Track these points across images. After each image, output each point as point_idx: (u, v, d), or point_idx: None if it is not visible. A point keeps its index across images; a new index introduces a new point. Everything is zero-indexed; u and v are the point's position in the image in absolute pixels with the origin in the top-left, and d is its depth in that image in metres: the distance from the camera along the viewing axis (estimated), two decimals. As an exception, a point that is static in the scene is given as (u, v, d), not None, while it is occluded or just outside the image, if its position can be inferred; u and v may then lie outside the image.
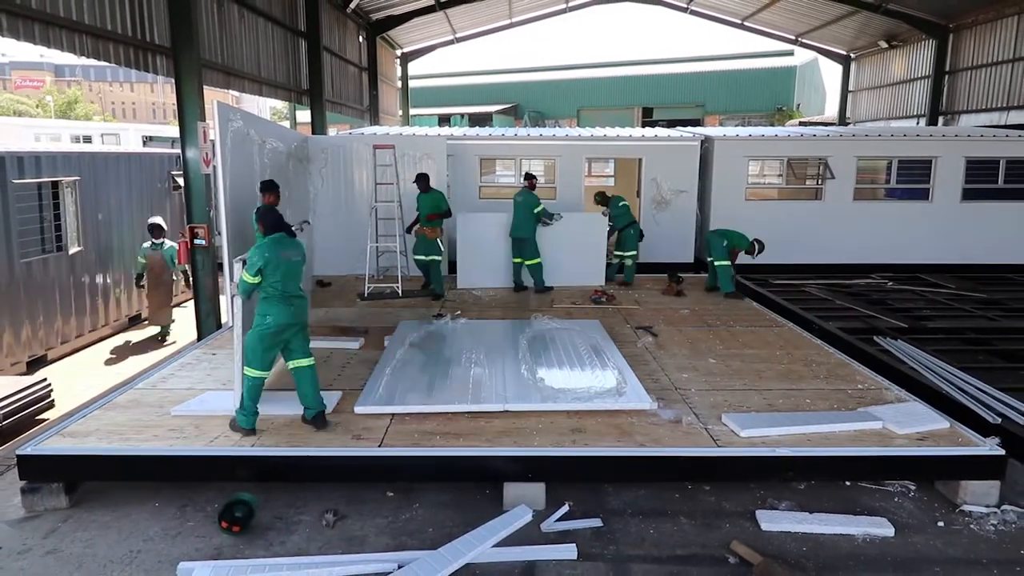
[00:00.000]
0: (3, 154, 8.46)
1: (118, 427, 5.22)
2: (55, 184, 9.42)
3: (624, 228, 10.81)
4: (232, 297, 5.51)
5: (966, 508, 4.79)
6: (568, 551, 4.23)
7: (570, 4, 26.84)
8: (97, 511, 4.76)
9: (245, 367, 5.15)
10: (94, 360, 9.69)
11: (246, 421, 5.10)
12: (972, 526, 4.60)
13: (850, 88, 26.84)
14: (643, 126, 30.48)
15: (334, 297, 10.00)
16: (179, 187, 12.18)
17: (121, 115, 76.10)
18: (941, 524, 4.63)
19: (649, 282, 10.94)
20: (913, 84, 22.22)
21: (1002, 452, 4.85)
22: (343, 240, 11.72)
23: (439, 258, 10.10)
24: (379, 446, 4.96)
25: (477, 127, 21.13)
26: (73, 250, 9.77)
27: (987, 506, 4.79)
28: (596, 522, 4.57)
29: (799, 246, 12.16)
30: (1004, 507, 4.78)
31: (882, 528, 4.56)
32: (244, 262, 5.22)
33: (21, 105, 55.94)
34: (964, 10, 19.15)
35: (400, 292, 9.91)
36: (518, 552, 4.23)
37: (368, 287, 10.04)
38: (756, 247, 9.85)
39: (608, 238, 10.94)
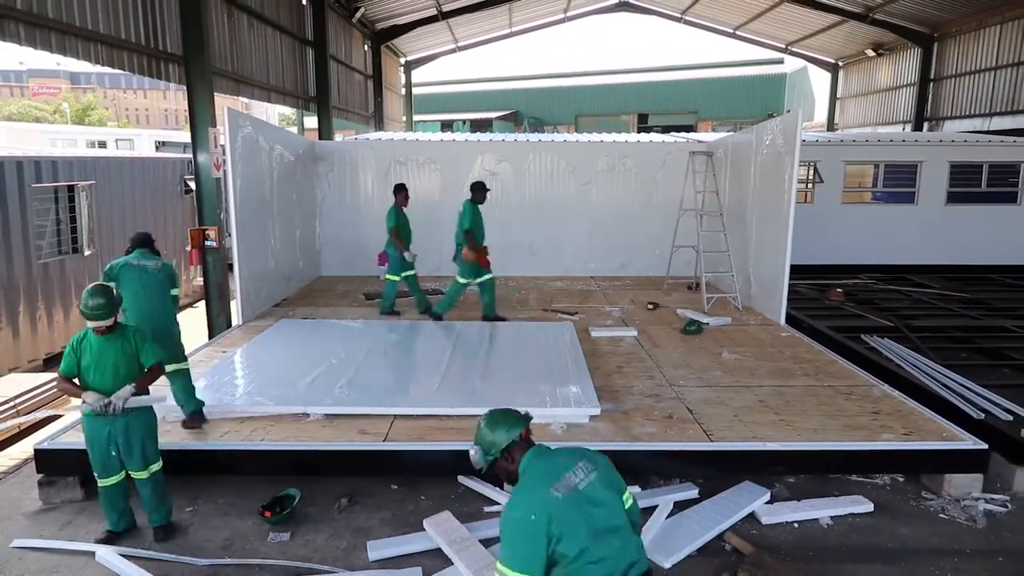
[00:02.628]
0: (21, 159, 8.47)
1: (132, 422, 5.21)
2: (71, 188, 9.42)
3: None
4: None
5: (950, 500, 4.79)
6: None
7: (568, 14, 26.81)
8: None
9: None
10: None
11: None
12: (956, 518, 4.60)
13: (838, 95, 26.82)
14: (639, 131, 30.45)
15: (340, 297, 10.00)
16: (190, 191, 12.18)
17: (135, 121, 76.04)
18: (926, 516, 4.64)
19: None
20: (899, 91, 22.21)
21: (985, 446, 4.87)
22: (348, 241, 11.73)
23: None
24: (384, 440, 4.97)
25: (479, 132, 21.13)
26: (88, 252, 9.76)
27: (971, 498, 4.80)
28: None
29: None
30: (987, 499, 4.79)
31: (862, 506, 4.65)
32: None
33: (39, 111, 55.91)
34: (948, 20, 19.14)
35: None
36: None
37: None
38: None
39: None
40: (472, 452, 2.63)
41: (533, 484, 2.40)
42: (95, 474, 4.19)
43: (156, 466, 4.28)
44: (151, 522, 4.35)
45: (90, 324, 4.00)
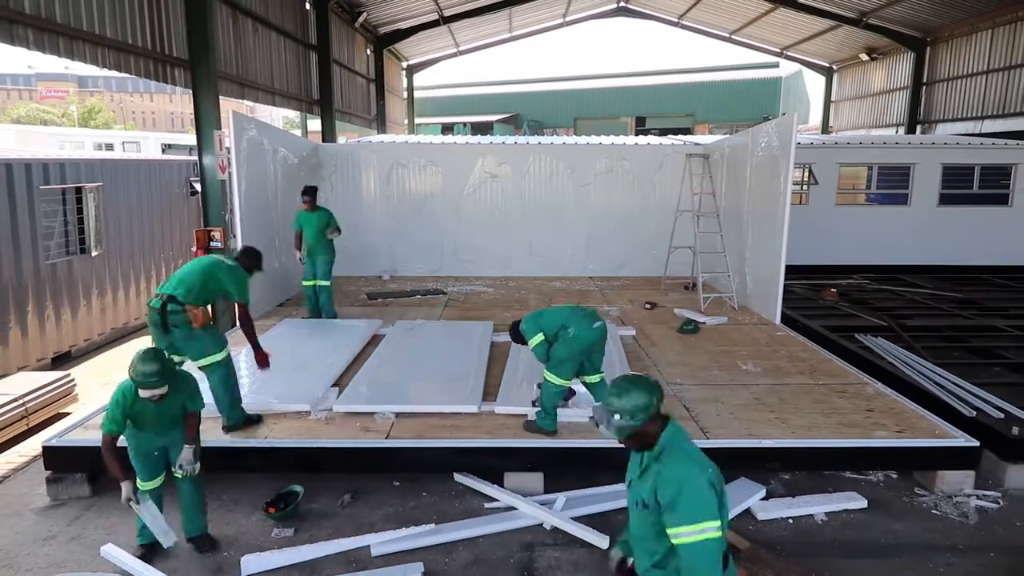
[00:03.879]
0: (30, 161, 8.46)
1: (138, 420, 5.21)
2: (78, 190, 9.41)
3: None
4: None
5: (943, 497, 4.79)
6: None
7: (567, 18, 26.83)
8: (118, 500, 4.70)
9: (551, 374, 4.92)
10: (115, 356, 9.68)
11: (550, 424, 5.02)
12: (948, 514, 4.60)
13: (832, 98, 26.84)
14: (636, 134, 30.44)
15: (342, 297, 10.00)
16: (196, 192, 12.17)
17: (142, 124, 76.04)
18: (919, 512, 4.64)
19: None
20: (892, 94, 22.22)
21: (977, 443, 4.87)
22: (351, 242, 11.70)
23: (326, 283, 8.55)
24: (386, 438, 4.96)
25: (479, 135, 21.12)
26: (95, 252, 9.76)
27: (963, 494, 4.79)
28: (596, 508, 4.57)
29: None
30: (979, 495, 4.79)
31: (856, 502, 4.66)
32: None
33: (46, 114, 55.92)
34: (941, 25, 19.15)
35: None
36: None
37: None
38: None
39: None
40: (610, 418, 2.46)
41: (698, 458, 2.46)
42: (138, 480, 3.94)
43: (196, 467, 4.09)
44: (191, 531, 4.15)
45: (143, 393, 3.60)
